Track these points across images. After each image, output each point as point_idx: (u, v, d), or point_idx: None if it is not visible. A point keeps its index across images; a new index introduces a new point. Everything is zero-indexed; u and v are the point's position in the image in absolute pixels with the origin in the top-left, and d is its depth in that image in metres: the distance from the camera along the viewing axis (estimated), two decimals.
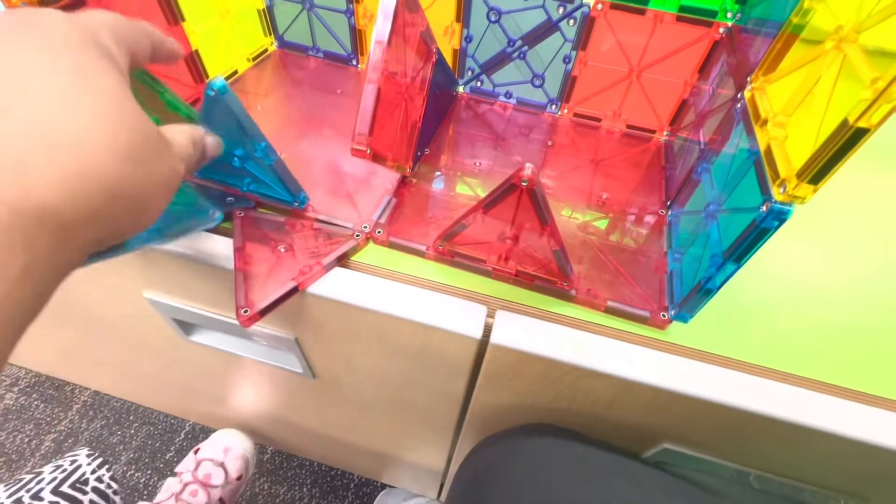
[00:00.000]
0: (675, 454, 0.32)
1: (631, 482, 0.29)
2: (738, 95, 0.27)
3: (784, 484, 0.32)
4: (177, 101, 0.26)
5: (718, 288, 0.24)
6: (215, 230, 0.31)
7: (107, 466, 0.46)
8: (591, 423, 0.33)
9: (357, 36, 0.43)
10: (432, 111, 0.37)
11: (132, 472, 0.80)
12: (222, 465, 0.66)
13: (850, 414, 0.25)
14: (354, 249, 0.31)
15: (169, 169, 0.19)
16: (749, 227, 0.21)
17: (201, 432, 0.84)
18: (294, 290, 0.28)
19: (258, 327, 0.35)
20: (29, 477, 0.41)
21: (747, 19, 0.31)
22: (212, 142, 0.24)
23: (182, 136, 0.21)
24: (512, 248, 0.29)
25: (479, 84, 0.43)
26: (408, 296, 0.29)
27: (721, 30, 0.33)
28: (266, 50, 0.46)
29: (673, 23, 0.34)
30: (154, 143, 0.18)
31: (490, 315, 0.29)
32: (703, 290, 0.25)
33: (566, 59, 0.38)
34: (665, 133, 0.41)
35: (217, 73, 0.41)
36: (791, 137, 0.20)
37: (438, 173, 0.37)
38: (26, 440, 0.83)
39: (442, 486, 0.65)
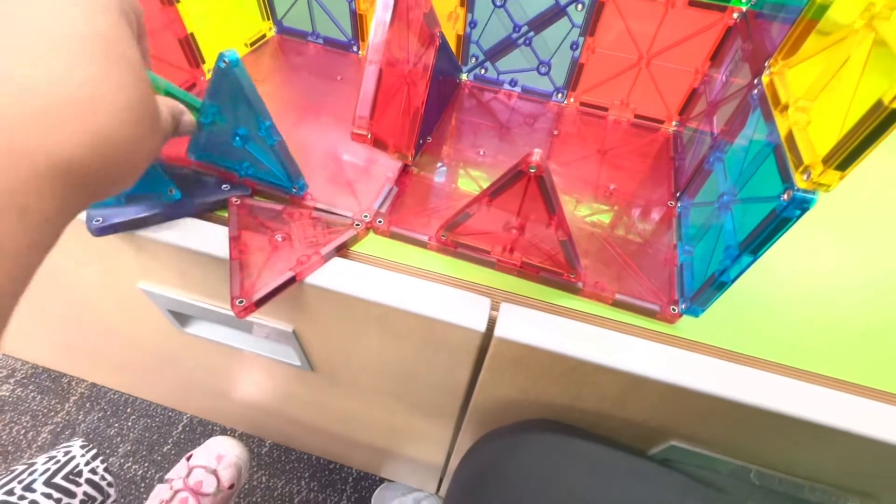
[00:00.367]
0: (683, 451, 0.31)
1: (638, 480, 0.29)
2: (755, 81, 0.26)
3: (784, 480, 0.31)
4: (169, 87, 0.25)
5: (733, 281, 0.23)
6: (210, 218, 0.30)
7: (101, 458, 0.45)
8: (597, 420, 0.32)
9: (358, 21, 0.42)
10: (435, 98, 0.36)
11: (129, 464, 0.79)
12: (215, 472, 0.64)
13: (865, 411, 0.24)
14: (354, 239, 0.30)
15: (159, 137, 0.20)
16: (768, 217, 0.20)
17: (199, 425, 0.84)
18: (291, 281, 0.27)
19: (255, 319, 0.34)
20: (21, 468, 0.40)
21: (763, 3, 0.30)
22: (188, 119, 0.25)
23: (164, 108, 0.22)
24: (517, 239, 0.28)
25: (483, 71, 0.42)
26: (409, 287, 0.28)
27: (735, 15, 0.32)
28: (264, 35, 0.45)
29: (685, 7, 0.33)
30: (155, 113, 0.19)
31: (494, 308, 0.28)
32: (717, 283, 0.24)
33: (573, 46, 0.37)
34: (674, 123, 0.40)
35: (213, 57, 0.40)
36: (815, 122, 0.19)
37: (441, 163, 0.36)
38: (23, 432, 0.82)
39: (441, 480, 0.64)
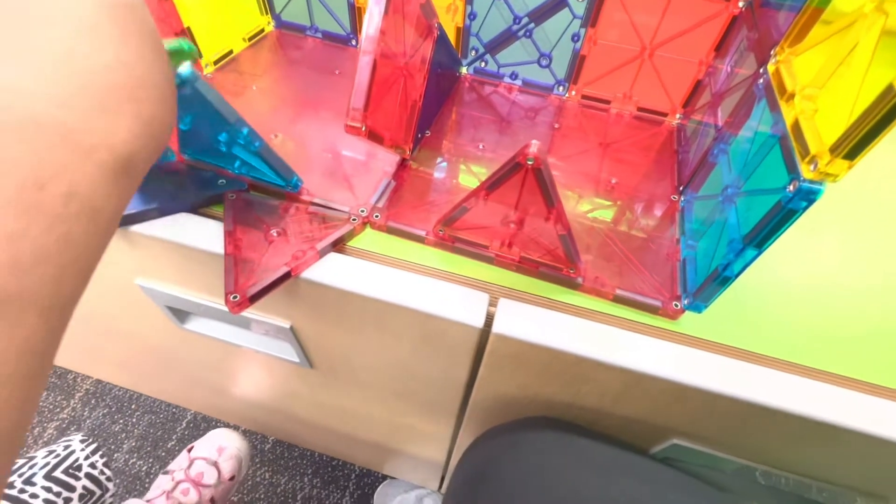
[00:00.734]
0: (686, 450, 0.31)
1: (639, 478, 0.28)
2: (761, 70, 0.25)
3: (790, 480, 0.30)
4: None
5: (737, 275, 0.23)
6: (205, 213, 0.30)
7: (100, 453, 0.45)
8: (597, 417, 0.31)
9: (356, 14, 0.42)
10: (433, 91, 0.36)
11: (134, 460, 0.79)
12: (216, 464, 0.65)
13: (872, 409, 0.24)
14: (351, 234, 0.30)
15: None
16: (773, 209, 0.19)
17: (203, 421, 0.84)
18: (286, 276, 0.27)
19: (252, 315, 0.33)
20: (21, 462, 0.40)
21: None
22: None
23: None
24: (516, 233, 0.27)
25: (483, 64, 0.41)
26: (406, 283, 0.27)
27: (741, 3, 0.31)
28: (262, 30, 0.45)
29: None
30: (174, 84, 0.18)
31: (492, 303, 0.27)
32: (721, 278, 0.23)
33: (574, 38, 0.37)
34: (678, 116, 0.39)
35: (211, 53, 0.39)
36: (822, 111, 0.19)
37: (440, 157, 0.35)
38: (30, 428, 0.83)
39: (443, 477, 0.64)
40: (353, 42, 0.44)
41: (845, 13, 0.19)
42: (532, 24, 0.37)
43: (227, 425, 0.83)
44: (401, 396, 0.40)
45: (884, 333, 0.27)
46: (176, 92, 0.18)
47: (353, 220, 0.30)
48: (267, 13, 0.45)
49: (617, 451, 0.30)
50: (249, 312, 0.33)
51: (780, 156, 0.20)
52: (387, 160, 0.34)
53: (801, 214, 0.19)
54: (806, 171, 0.18)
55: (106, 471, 0.45)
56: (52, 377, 0.89)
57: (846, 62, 0.18)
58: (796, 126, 0.20)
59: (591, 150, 0.37)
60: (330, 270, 0.28)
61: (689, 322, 0.27)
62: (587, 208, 0.32)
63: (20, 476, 0.38)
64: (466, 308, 0.26)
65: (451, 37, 0.39)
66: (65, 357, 0.78)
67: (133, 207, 0.28)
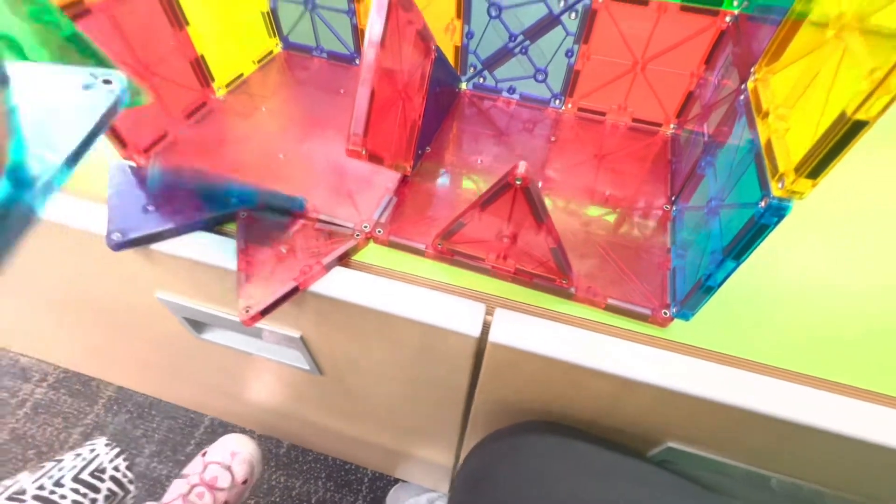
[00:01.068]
0: (680, 453, 0.32)
1: (635, 481, 0.29)
2: (742, 87, 0.26)
3: (803, 487, 0.31)
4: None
5: (719, 285, 0.24)
6: (219, 231, 0.32)
7: (123, 456, 0.48)
8: (594, 421, 0.32)
9: (359, 35, 0.43)
10: (433, 109, 0.37)
11: (154, 464, 0.82)
12: (229, 468, 0.67)
13: (855, 412, 0.24)
14: (355, 249, 0.32)
15: None
16: (748, 224, 0.20)
17: (219, 426, 0.86)
18: (295, 290, 0.29)
19: (265, 326, 0.35)
20: (50, 465, 0.43)
21: (754, 7, 0.30)
22: None
23: None
24: (510, 247, 0.28)
25: (481, 80, 0.43)
26: (407, 294, 0.29)
27: (727, 18, 0.32)
28: (271, 52, 0.47)
29: (677, 13, 0.33)
30: None
31: (489, 313, 0.29)
32: (704, 288, 0.24)
33: (569, 53, 0.38)
34: (672, 126, 0.40)
35: (222, 77, 0.41)
36: (792, 130, 0.20)
37: (440, 171, 0.37)
38: (55, 433, 0.86)
39: (453, 480, 0.65)
40: (357, 61, 0.46)
41: (817, 32, 0.20)
42: (527, 42, 0.39)
43: (242, 430, 0.86)
44: (407, 402, 0.42)
45: (867, 339, 0.28)
46: None
47: (357, 235, 0.32)
48: (275, 35, 0.47)
49: (614, 454, 0.31)
50: (262, 323, 0.35)
51: (754, 172, 0.21)
52: (389, 176, 0.35)
53: (772, 229, 0.20)
54: (775, 188, 0.19)
55: (128, 473, 0.47)
56: (76, 384, 0.92)
57: (813, 85, 0.19)
58: (769, 144, 0.21)
59: (586, 161, 0.38)
60: (335, 284, 0.29)
61: (679, 329, 0.28)
62: (582, 219, 0.34)
63: (50, 478, 0.41)
64: (464, 318, 0.28)
65: (451, 54, 0.41)
66: (89, 365, 0.81)
67: (153, 227, 0.30)
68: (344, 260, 0.31)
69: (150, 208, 0.32)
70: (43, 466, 0.43)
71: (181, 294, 0.36)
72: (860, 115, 0.15)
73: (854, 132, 0.16)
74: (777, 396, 0.25)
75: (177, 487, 0.65)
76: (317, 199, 0.33)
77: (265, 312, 0.28)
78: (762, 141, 0.21)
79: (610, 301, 0.28)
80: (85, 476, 0.42)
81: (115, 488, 0.44)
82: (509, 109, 0.42)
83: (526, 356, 0.27)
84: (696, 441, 0.30)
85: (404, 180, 0.35)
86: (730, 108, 0.27)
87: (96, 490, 0.42)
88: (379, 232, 0.32)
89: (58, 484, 0.40)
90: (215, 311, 0.36)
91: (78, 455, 0.45)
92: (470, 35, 0.40)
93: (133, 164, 0.35)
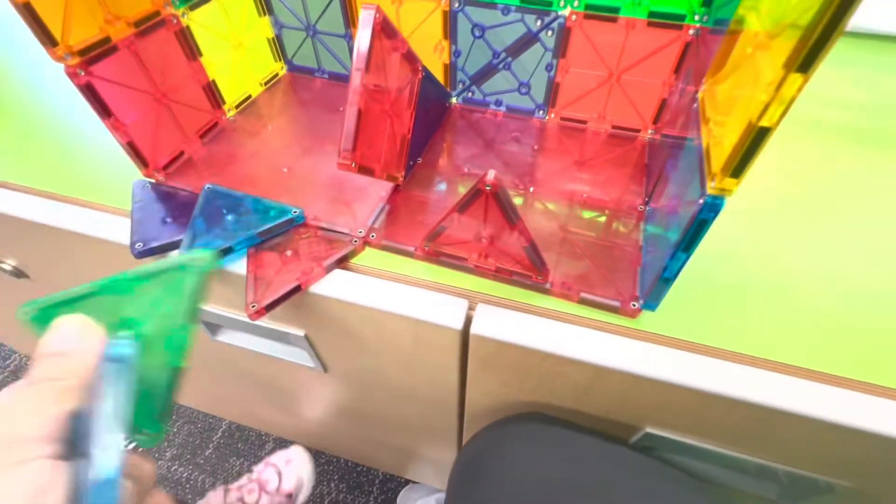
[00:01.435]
0: (659, 439, 0.34)
1: (612, 464, 0.31)
2: (696, 96, 0.29)
3: (778, 472, 0.32)
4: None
5: (675, 276, 0.26)
6: None
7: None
8: (577, 411, 0.35)
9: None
10: (422, 122, 0.40)
11: (176, 466, 0.86)
12: (279, 473, 0.72)
13: (815, 395, 0.26)
14: (353, 253, 0.35)
15: None
16: (691, 219, 0.23)
17: (237, 430, 0.90)
18: (296, 289, 0.32)
19: (271, 324, 0.38)
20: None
21: (712, 21, 0.33)
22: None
23: None
24: (489, 247, 0.31)
25: (470, 94, 0.46)
26: (397, 293, 0.32)
27: (691, 31, 0.35)
28: (277, 74, 0.51)
29: (645, 28, 0.36)
30: None
31: (472, 308, 0.31)
32: (662, 279, 0.27)
33: (548, 67, 0.41)
34: (650, 132, 0.42)
35: (232, 99, 0.45)
36: (726, 136, 0.22)
37: (430, 180, 0.40)
38: None
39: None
40: None
41: (751, 36, 0.22)
42: (509, 58, 0.42)
43: (258, 433, 0.89)
44: (405, 397, 0.44)
45: (823, 324, 0.30)
46: None
47: (354, 241, 0.35)
48: (280, 59, 0.51)
49: (594, 440, 0.33)
50: (271, 322, 0.38)
51: (698, 173, 0.24)
52: (383, 186, 0.38)
53: (710, 224, 0.22)
54: (709, 187, 0.21)
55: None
56: None
57: (739, 95, 0.21)
58: (708, 148, 0.23)
59: (568, 167, 0.41)
60: (334, 284, 0.33)
61: (648, 320, 0.30)
62: (561, 221, 0.36)
63: None
64: (447, 312, 0.31)
65: (441, 71, 0.44)
66: None
67: (171, 237, 0.34)
68: (343, 263, 0.34)
69: (169, 220, 0.36)
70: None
71: None
72: (763, 123, 0.18)
73: (761, 137, 0.18)
74: (737, 380, 0.27)
75: (241, 481, 0.72)
76: (317, 208, 0.37)
77: (269, 308, 0.31)
78: (704, 145, 0.24)
79: (583, 295, 0.31)
80: None
81: None
82: (497, 121, 0.45)
83: (505, 347, 0.30)
84: (671, 426, 0.32)
85: (397, 189, 0.38)
86: (688, 114, 0.30)
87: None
88: (373, 237, 0.35)
89: None
90: (228, 312, 0.39)
91: None
92: (457, 53, 0.43)
93: (153, 180, 0.39)
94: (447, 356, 0.34)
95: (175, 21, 0.37)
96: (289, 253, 0.34)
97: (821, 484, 0.32)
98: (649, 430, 0.33)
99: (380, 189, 0.38)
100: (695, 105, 0.28)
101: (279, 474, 0.72)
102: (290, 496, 0.71)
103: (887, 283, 0.32)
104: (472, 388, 0.37)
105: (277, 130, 0.45)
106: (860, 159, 0.41)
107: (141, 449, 0.21)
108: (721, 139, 0.23)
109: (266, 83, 0.49)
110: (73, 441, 0.17)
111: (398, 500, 0.84)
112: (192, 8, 0.38)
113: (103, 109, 0.33)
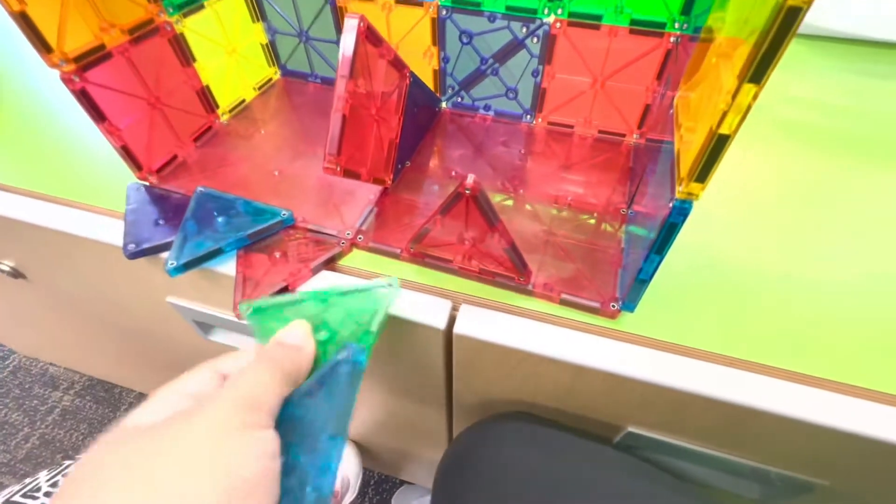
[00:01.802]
0: (641, 438, 0.34)
1: (592, 462, 0.32)
2: (672, 102, 0.29)
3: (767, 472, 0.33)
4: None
5: (650, 277, 0.27)
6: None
7: None
8: (560, 410, 0.35)
9: None
10: (411, 127, 0.41)
11: None
12: None
13: (789, 394, 0.27)
14: (340, 254, 0.35)
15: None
16: (662, 222, 0.24)
17: None
18: (284, 290, 0.32)
19: None
20: (67, 462, 0.47)
21: (692, 29, 0.34)
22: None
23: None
24: (472, 249, 0.32)
25: (460, 99, 0.47)
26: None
27: (672, 39, 0.35)
28: (270, 79, 0.51)
29: (627, 36, 0.36)
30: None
31: (455, 308, 0.32)
32: (639, 280, 0.27)
33: (535, 73, 0.42)
34: (635, 136, 0.43)
35: (226, 104, 0.46)
36: (693, 142, 0.23)
37: (418, 183, 0.41)
38: (81, 437, 0.92)
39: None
40: None
41: (717, 46, 0.23)
42: (497, 64, 0.42)
43: None
44: (397, 396, 0.45)
45: (799, 327, 0.30)
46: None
47: (342, 243, 0.36)
48: (274, 64, 0.52)
49: (577, 439, 0.34)
50: None
51: (669, 174, 0.24)
52: (371, 189, 0.39)
53: (681, 227, 0.23)
54: (677, 191, 0.22)
55: None
56: (101, 391, 0.98)
57: (707, 103, 0.22)
58: (678, 154, 0.24)
59: (554, 171, 0.41)
60: (321, 285, 0.33)
61: (628, 321, 0.31)
62: (545, 223, 0.37)
63: (64, 476, 0.45)
64: (431, 312, 0.31)
65: (429, 77, 0.45)
66: (112, 372, 0.86)
67: (163, 238, 0.35)
68: (330, 264, 0.35)
69: (161, 222, 0.36)
70: (62, 464, 0.47)
71: (190, 299, 0.40)
72: (723, 130, 0.18)
73: (721, 144, 0.19)
74: (714, 379, 0.28)
75: None
76: (307, 211, 0.37)
77: None
78: (676, 151, 0.24)
79: (564, 296, 0.31)
80: None
81: None
82: (485, 125, 0.46)
83: (487, 346, 0.30)
84: (652, 425, 0.33)
85: (385, 192, 0.39)
86: (666, 120, 0.31)
87: None
88: (360, 239, 0.35)
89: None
90: (220, 313, 0.40)
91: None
92: (446, 59, 0.44)
93: (147, 183, 0.40)
94: (432, 355, 0.34)
95: (169, 28, 0.38)
96: (277, 254, 0.35)
97: (800, 483, 0.32)
98: (631, 429, 0.34)
99: (368, 192, 0.39)
100: (671, 111, 0.29)
101: None
102: (334, 494, 0.69)
103: (864, 284, 0.33)
104: (459, 388, 0.38)
105: (270, 134, 0.45)
106: (842, 163, 0.42)
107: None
108: (689, 145, 0.23)
109: (260, 88, 0.50)
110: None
111: (392, 501, 0.84)
112: (186, 15, 0.39)
113: (98, 114, 0.34)
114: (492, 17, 0.39)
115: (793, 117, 0.46)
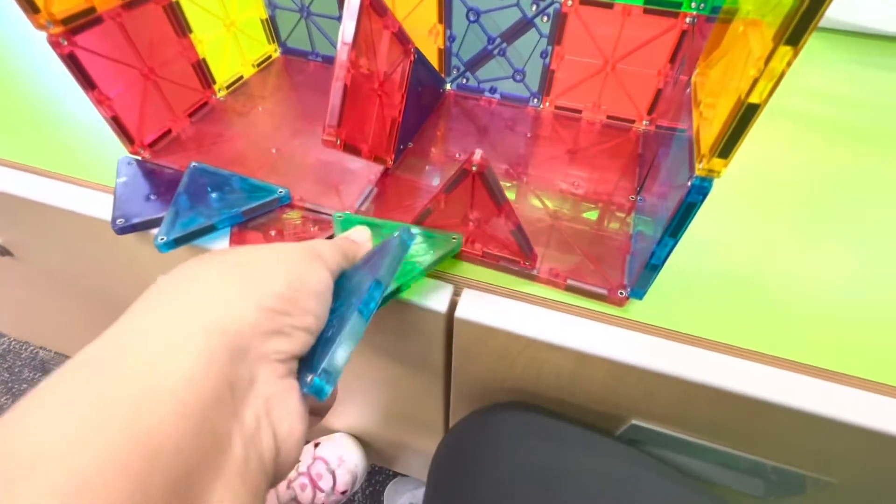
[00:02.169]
0: (645, 431, 0.33)
1: (592, 452, 0.31)
2: (689, 81, 0.28)
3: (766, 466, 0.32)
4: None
5: (663, 262, 0.26)
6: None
7: None
8: (562, 400, 0.34)
9: None
10: (414, 107, 0.40)
11: None
12: (333, 473, 0.67)
13: (800, 386, 0.26)
14: None
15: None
16: (678, 203, 0.22)
17: None
18: None
19: None
20: None
21: (709, 9, 0.32)
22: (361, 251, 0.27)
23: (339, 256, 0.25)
24: (477, 231, 0.31)
25: (465, 81, 0.45)
26: None
27: (688, 20, 0.34)
28: (270, 56, 0.50)
29: (641, 15, 0.35)
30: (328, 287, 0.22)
31: (457, 293, 0.31)
32: (650, 266, 0.26)
33: (543, 54, 0.40)
34: (644, 122, 0.42)
35: (223, 79, 0.45)
36: (716, 117, 0.22)
37: (420, 165, 0.39)
38: None
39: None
40: None
41: (743, 16, 0.22)
42: (504, 44, 0.41)
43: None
44: (393, 385, 0.44)
45: (807, 316, 0.29)
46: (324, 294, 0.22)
47: None
48: (274, 41, 0.50)
49: (577, 429, 0.33)
50: None
51: (688, 161, 0.23)
52: (372, 170, 0.38)
53: (699, 207, 0.22)
54: (697, 168, 0.21)
55: None
56: None
57: (731, 76, 0.21)
58: (698, 131, 0.23)
59: (561, 156, 0.40)
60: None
61: (636, 309, 0.30)
62: (551, 209, 0.36)
63: None
64: (433, 296, 0.30)
65: (434, 57, 0.44)
66: None
67: (153, 213, 0.33)
68: None
69: (153, 197, 0.35)
70: None
71: None
72: (752, 99, 0.17)
73: (749, 114, 0.18)
74: (723, 370, 0.27)
75: (290, 474, 0.66)
76: (304, 189, 0.36)
77: None
78: (695, 128, 0.23)
79: (570, 282, 0.30)
80: None
81: None
82: (491, 108, 0.45)
83: (489, 331, 0.29)
84: (656, 418, 0.32)
85: (386, 172, 0.38)
86: (681, 102, 0.29)
87: None
88: None
89: None
90: None
91: None
92: (452, 38, 0.42)
93: (139, 158, 0.38)
94: (432, 340, 0.33)
95: None
96: (273, 233, 0.34)
97: (805, 480, 0.31)
98: (635, 422, 0.33)
99: (368, 172, 0.38)
100: (688, 90, 0.28)
101: (332, 474, 0.67)
102: (344, 492, 0.69)
103: (877, 276, 0.32)
104: (458, 376, 0.37)
105: (268, 112, 0.44)
106: (853, 156, 0.41)
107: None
108: (711, 121, 0.22)
109: (259, 65, 0.49)
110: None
111: (385, 492, 0.83)
112: None
113: (87, 81, 0.32)
114: None
115: (804, 109, 0.45)
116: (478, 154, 0.25)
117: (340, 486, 0.67)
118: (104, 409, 0.14)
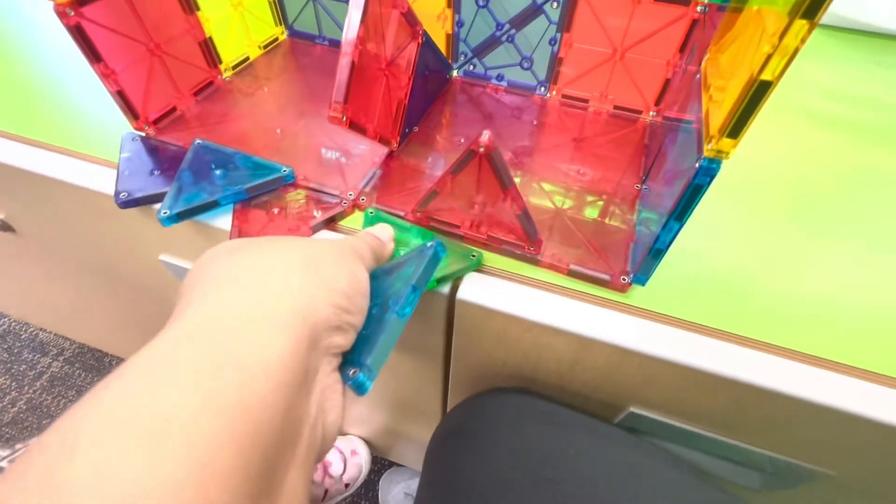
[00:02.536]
0: (643, 419, 0.33)
1: (590, 435, 0.31)
2: (699, 67, 0.28)
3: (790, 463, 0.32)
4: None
5: (667, 247, 0.26)
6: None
7: None
8: (562, 387, 0.34)
9: None
10: (420, 90, 0.40)
11: None
12: (345, 462, 0.69)
13: (799, 375, 0.26)
14: (341, 215, 0.34)
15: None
16: (685, 186, 0.22)
17: None
18: None
19: None
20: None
21: None
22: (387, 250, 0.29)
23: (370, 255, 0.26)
24: (481, 214, 0.31)
25: (472, 67, 0.45)
26: None
27: (699, 8, 0.34)
28: (277, 38, 0.50)
29: (652, 3, 0.35)
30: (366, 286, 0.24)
31: None
32: (654, 251, 0.26)
33: (552, 42, 0.40)
34: (651, 113, 0.41)
35: (229, 59, 0.44)
36: (726, 98, 0.21)
37: (425, 149, 0.39)
38: (68, 404, 0.91)
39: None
40: None
41: (747, 16, 0.22)
42: (513, 30, 0.41)
43: None
44: (391, 370, 0.44)
45: (808, 306, 0.29)
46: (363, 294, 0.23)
47: (344, 203, 0.34)
48: (281, 24, 0.50)
49: (578, 415, 0.33)
50: None
51: (695, 147, 0.23)
52: (376, 152, 0.38)
53: (706, 189, 0.22)
54: (706, 150, 0.21)
55: None
56: (90, 359, 0.97)
57: (742, 57, 0.21)
58: (707, 114, 0.22)
59: (566, 145, 0.40)
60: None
61: (639, 295, 0.30)
62: (556, 197, 0.35)
63: None
64: None
65: (442, 42, 0.43)
66: (102, 340, 0.85)
67: (156, 188, 0.33)
68: (331, 224, 0.34)
69: (156, 173, 0.35)
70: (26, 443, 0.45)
71: (182, 257, 0.39)
72: (764, 76, 0.17)
73: (761, 92, 0.18)
74: (723, 357, 0.26)
75: None
76: (308, 169, 0.36)
77: None
78: (703, 111, 0.23)
79: (572, 267, 0.30)
80: None
81: None
82: (497, 96, 0.45)
83: (491, 314, 0.29)
84: (655, 405, 0.32)
85: (391, 155, 0.38)
86: (690, 88, 0.29)
87: None
88: (363, 200, 0.34)
89: None
90: None
91: None
92: (460, 23, 0.42)
93: (143, 134, 0.38)
94: (432, 322, 0.33)
95: None
96: (276, 210, 0.34)
97: (803, 471, 0.31)
98: (633, 409, 0.33)
99: (373, 154, 0.38)
100: (697, 76, 0.28)
101: (344, 463, 0.69)
102: (347, 486, 0.69)
103: (881, 270, 0.31)
104: (457, 361, 0.37)
105: (273, 93, 0.44)
106: (858, 152, 0.41)
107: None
108: (721, 103, 0.22)
109: (265, 47, 0.49)
110: None
111: (380, 482, 0.83)
112: None
113: (93, 54, 0.32)
114: None
115: (819, 107, 0.45)
116: (485, 135, 0.25)
117: (347, 477, 0.67)
118: (218, 383, 0.15)
